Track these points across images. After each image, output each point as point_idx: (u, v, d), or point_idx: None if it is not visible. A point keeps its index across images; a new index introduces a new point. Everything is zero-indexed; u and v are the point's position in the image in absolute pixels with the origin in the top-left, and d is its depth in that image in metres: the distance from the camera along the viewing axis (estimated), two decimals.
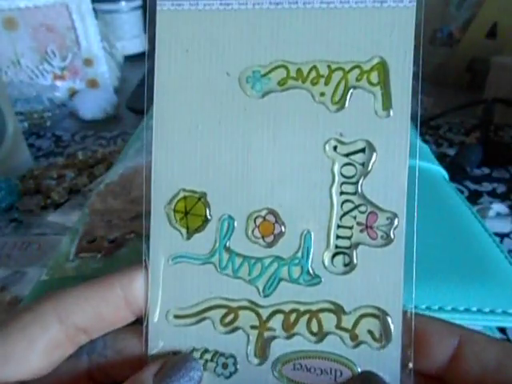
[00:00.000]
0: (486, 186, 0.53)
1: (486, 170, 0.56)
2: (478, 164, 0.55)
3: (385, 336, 0.16)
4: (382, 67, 0.15)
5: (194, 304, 0.17)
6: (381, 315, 0.16)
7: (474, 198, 0.50)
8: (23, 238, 0.45)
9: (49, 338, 0.15)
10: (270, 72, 0.16)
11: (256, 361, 0.16)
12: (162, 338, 0.16)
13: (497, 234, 0.42)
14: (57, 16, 0.76)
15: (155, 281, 0.16)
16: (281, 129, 0.16)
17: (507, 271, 0.28)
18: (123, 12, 0.98)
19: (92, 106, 0.74)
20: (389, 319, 0.15)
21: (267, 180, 0.16)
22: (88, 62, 0.80)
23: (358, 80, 0.15)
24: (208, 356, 0.16)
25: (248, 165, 0.16)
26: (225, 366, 0.16)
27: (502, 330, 0.32)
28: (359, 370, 0.16)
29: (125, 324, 0.16)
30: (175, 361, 0.16)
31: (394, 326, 0.15)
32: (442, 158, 0.54)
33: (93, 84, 0.82)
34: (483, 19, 0.74)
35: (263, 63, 0.16)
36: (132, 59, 0.98)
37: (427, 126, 0.67)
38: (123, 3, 0.98)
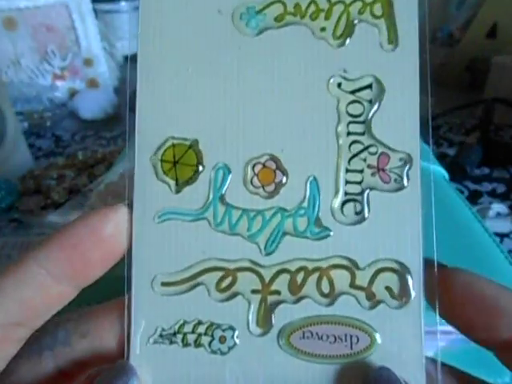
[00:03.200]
0: (486, 186, 0.53)
1: (486, 170, 0.56)
2: (478, 164, 0.55)
3: (404, 292, 0.14)
4: None
5: (184, 268, 0.15)
6: (399, 269, 0.14)
7: (474, 198, 0.50)
8: (23, 238, 0.45)
9: None
10: (265, 8, 0.15)
11: (258, 331, 0.14)
12: (146, 311, 0.15)
13: (497, 234, 0.42)
14: (57, 16, 0.76)
15: (139, 242, 0.15)
16: (279, 68, 0.15)
17: (507, 271, 0.28)
18: (123, 12, 0.98)
19: (92, 106, 0.74)
20: (408, 273, 0.14)
21: (266, 123, 0.15)
22: (88, 62, 0.80)
23: (360, 13, 0.15)
24: (202, 329, 0.15)
25: (244, 107, 0.15)
26: (222, 339, 0.15)
27: None
28: (378, 336, 0.14)
29: (68, 300, 0.14)
30: (109, 371, 0.13)
31: (414, 280, 0.14)
32: (442, 158, 0.54)
33: (93, 84, 0.82)
34: (483, 19, 0.74)
35: None
36: (132, 59, 0.98)
37: (427, 125, 0.67)
38: (123, 3, 0.98)
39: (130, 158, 0.15)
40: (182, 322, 0.15)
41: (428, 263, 0.14)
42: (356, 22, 0.15)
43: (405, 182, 0.14)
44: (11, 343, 0.14)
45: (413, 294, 0.14)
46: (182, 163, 0.15)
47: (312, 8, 0.15)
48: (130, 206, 0.15)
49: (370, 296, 0.14)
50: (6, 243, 0.44)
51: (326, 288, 0.14)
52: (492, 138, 0.60)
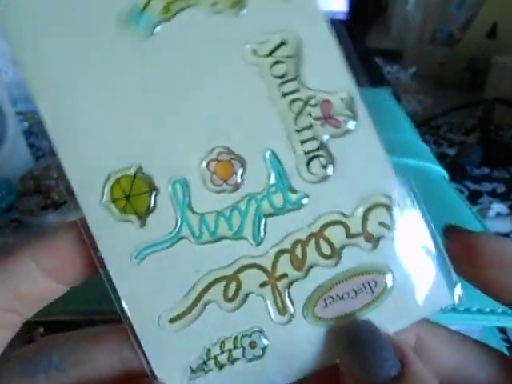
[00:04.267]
0: (486, 186, 0.53)
1: (486, 170, 0.56)
2: (478, 164, 0.55)
3: (392, 222, 0.14)
4: None
5: (185, 295, 0.14)
6: (384, 201, 0.14)
7: (474, 198, 0.50)
8: (23, 238, 0.45)
9: None
10: (148, 3, 0.13)
11: (284, 319, 0.14)
12: (164, 353, 0.14)
13: (497, 234, 0.42)
14: None
15: (126, 290, 0.14)
16: (189, 57, 0.14)
17: None
18: None
19: None
20: (393, 201, 0.14)
21: (200, 117, 0.14)
22: None
23: None
24: (229, 345, 0.14)
25: (173, 110, 0.14)
26: (253, 345, 0.14)
27: (502, 330, 0.32)
28: (390, 271, 0.14)
29: (58, 294, 0.14)
30: None
31: (400, 207, 0.14)
32: (442, 158, 0.54)
33: None
34: (483, 19, 0.74)
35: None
36: None
37: (427, 125, 0.67)
38: None
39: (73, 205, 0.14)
40: (207, 347, 0.14)
41: (452, 229, 0.15)
42: None
43: (354, 120, 0.14)
44: (5, 328, 0.14)
45: (399, 222, 0.14)
46: (134, 195, 0.14)
47: None
48: (97, 253, 0.14)
49: (369, 238, 0.14)
50: (6, 243, 0.44)
51: (326, 250, 0.14)
52: (492, 138, 0.60)
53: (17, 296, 0.14)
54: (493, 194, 0.51)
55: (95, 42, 0.13)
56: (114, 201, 0.14)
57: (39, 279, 0.14)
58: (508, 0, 0.71)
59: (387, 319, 0.14)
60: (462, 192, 0.51)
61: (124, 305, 0.14)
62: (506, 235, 0.43)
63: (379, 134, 0.14)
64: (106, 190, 0.14)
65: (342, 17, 0.79)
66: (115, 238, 0.14)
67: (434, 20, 0.82)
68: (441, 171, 0.37)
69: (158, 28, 0.14)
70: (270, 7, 0.14)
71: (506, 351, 0.28)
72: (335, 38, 0.14)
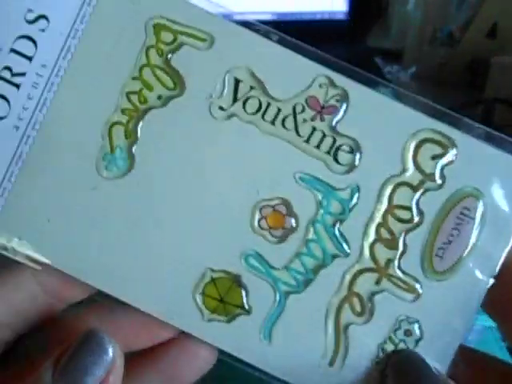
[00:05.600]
0: None
1: None
2: None
3: (450, 142, 0.15)
4: None
5: (324, 336, 0.14)
6: (425, 136, 0.15)
7: None
8: None
9: None
10: (111, 141, 0.14)
11: (414, 295, 0.14)
12: None
13: None
14: None
15: (276, 368, 0.14)
16: (175, 157, 0.14)
17: None
18: None
19: None
20: (434, 129, 0.15)
21: (219, 195, 0.14)
22: None
23: None
24: (390, 347, 0.14)
25: (198, 203, 0.14)
26: (408, 333, 0.14)
27: None
28: (474, 187, 0.14)
29: (54, 313, 0.14)
30: (75, 345, 0.12)
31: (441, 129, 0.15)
32: None
33: None
34: (483, 19, 0.74)
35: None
36: None
37: None
38: None
39: None
40: (375, 361, 0.14)
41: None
42: None
43: (345, 93, 0.14)
44: None
45: (457, 134, 0.15)
46: (225, 295, 0.14)
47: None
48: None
49: (432, 177, 0.14)
50: None
51: (406, 214, 0.14)
52: None
53: (12, 311, 0.14)
54: None
55: (86, 194, 0.15)
56: (213, 312, 0.14)
57: (38, 295, 0.14)
58: (508, 0, 0.71)
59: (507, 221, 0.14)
60: None
61: (281, 377, 0.14)
62: None
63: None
64: (202, 308, 0.14)
65: (342, 17, 0.78)
66: (236, 336, 0.14)
67: (434, 20, 0.82)
68: None
69: (134, 152, 0.14)
70: (198, 57, 0.14)
71: (505, 352, 0.28)
72: (271, 40, 0.14)
